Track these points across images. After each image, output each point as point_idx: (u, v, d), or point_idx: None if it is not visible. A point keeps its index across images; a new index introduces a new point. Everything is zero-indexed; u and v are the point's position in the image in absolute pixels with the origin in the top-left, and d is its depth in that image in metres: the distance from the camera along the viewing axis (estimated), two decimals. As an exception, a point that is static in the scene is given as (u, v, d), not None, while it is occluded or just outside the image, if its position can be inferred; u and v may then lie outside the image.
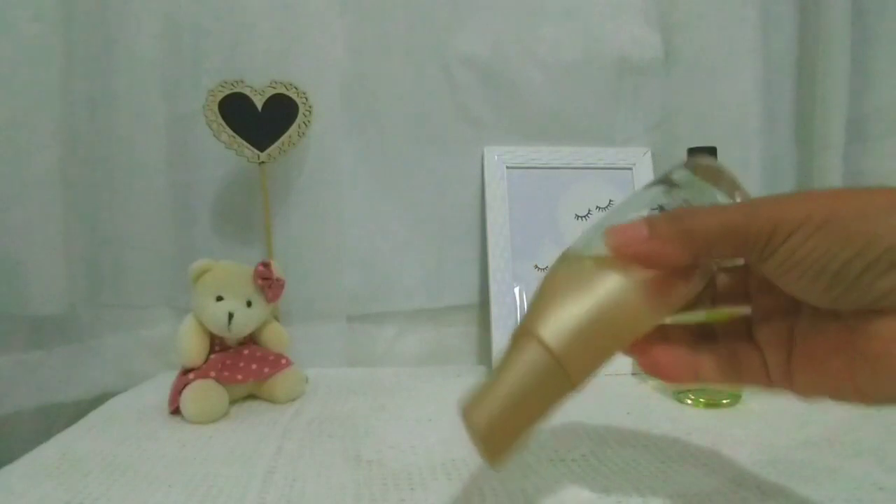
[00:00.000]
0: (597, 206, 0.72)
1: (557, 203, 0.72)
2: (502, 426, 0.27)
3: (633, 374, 0.63)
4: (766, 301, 0.29)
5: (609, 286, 0.27)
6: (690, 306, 0.29)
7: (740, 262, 0.30)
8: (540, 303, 0.28)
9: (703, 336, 0.31)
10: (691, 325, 0.31)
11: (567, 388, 0.27)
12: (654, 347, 0.29)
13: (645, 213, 0.30)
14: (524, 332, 0.28)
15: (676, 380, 0.29)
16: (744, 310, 0.31)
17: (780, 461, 0.41)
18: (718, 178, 0.31)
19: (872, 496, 0.36)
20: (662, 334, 0.30)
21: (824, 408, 0.46)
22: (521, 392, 0.27)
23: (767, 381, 0.29)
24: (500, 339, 0.68)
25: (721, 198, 0.30)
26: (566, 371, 0.27)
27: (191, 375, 0.54)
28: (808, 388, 0.27)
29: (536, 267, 0.70)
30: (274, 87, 0.66)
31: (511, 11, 0.73)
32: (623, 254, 0.26)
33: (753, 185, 0.75)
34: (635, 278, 0.27)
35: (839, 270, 0.23)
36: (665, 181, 0.32)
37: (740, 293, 0.30)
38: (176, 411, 0.53)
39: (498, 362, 0.28)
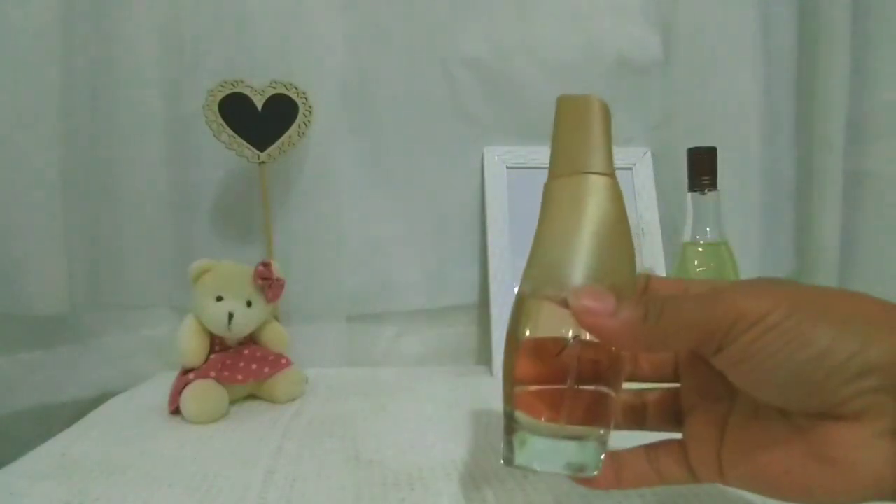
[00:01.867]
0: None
1: (557, 203, 0.72)
2: None
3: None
4: (698, 385, 0.29)
5: None
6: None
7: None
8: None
9: (633, 418, 0.31)
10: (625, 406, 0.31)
11: None
12: None
13: None
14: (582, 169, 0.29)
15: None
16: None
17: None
18: None
19: (872, 496, 0.36)
20: None
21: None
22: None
23: (687, 473, 0.28)
24: (500, 339, 0.67)
25: None
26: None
27: (191, 375, 0.54)
28: (740, 481, 0.26)
29: (536, 267, 0.70)
30: (274, 87, 0.66)
31: (511, 11, 0.73)
32: (582, 319, 0.25)
33: (753, 185, 0.75)
34: None
35: (797, 371, 0.22)
36: None
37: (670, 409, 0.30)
38: (176, 411, 0.53)
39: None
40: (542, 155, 0.72)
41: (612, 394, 0.27)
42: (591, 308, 0.25)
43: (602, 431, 0.27)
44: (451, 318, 0.74)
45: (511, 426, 0.28)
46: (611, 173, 0.29)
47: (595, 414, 0.27)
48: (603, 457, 0.27)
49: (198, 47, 0.69)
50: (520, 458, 0.27)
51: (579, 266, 0.27)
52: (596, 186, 0.28)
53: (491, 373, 0.68)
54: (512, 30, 0.73)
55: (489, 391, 0.61)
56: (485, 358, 0.72)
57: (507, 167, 0.73)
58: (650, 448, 0.29)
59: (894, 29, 0.72)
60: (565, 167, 0.29)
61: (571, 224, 0.28)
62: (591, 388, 0.27)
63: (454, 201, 0.74)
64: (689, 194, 0.58)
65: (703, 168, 0.57)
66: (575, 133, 0.29)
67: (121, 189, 0.70)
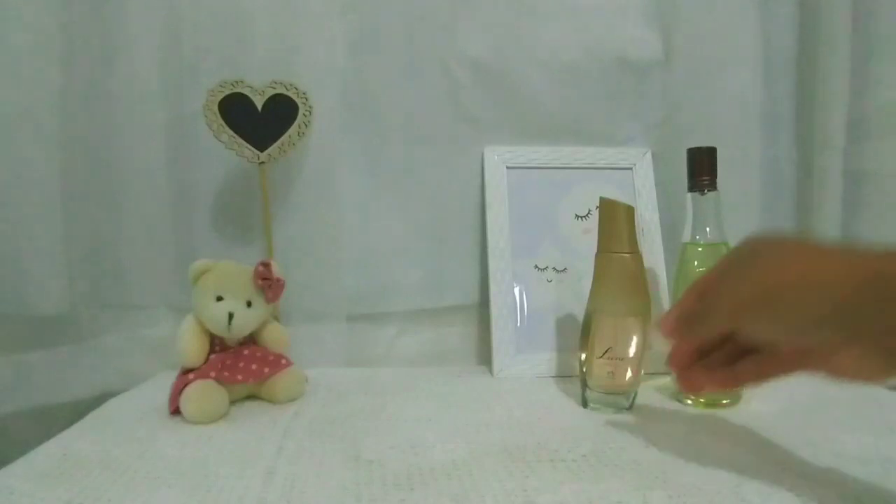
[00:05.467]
0: (596, 207, 0.72)
1: (557, 203, 0.72)
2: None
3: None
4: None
5: None
6: None
7: None
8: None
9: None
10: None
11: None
12: (693, 372, 0.41)
13: None
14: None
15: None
16: None
17: (779, 462, 0.41)
18: None
19: (872, 497, 0.36)
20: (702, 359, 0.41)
21: (824, 410, 0.46)
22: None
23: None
24: (500, 339, 0.68)
25: None
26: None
27: (191, 375, 0.54)
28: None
29: (536, 267, 0.70)
30: (274, 87, 0.66)
31: (511, 11, 0.73)
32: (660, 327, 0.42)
33: (753, 185, 0.75)
34: None
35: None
36: None
37: None
38: (176, 412, 0.53)
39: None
40: (541, 155, 0.73)
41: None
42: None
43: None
44: (451, 318, 0.74)
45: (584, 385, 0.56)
46: (630, 251, 0.53)
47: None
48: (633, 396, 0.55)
49: (198, 47, 0.69)
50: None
51: (607, 302, 0.54)
52: (618, 258, 0.54)
53: (491, 373, 0.68)
54: (512, 29, 0.73)
55: (489, 391, 0.61)
56: (485, 358, 0.72)
57: (507, 167, 0.73)
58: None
59: (894, 29, 0.72)
60: (603, 247, 0.55)
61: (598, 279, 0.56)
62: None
63: (454, 201, 0.74)
64: (689, 194, 0.58)
65: (702, 168, 0.57)
66: (605, 225, 0.55)
67: (121, 189, 0.70)
